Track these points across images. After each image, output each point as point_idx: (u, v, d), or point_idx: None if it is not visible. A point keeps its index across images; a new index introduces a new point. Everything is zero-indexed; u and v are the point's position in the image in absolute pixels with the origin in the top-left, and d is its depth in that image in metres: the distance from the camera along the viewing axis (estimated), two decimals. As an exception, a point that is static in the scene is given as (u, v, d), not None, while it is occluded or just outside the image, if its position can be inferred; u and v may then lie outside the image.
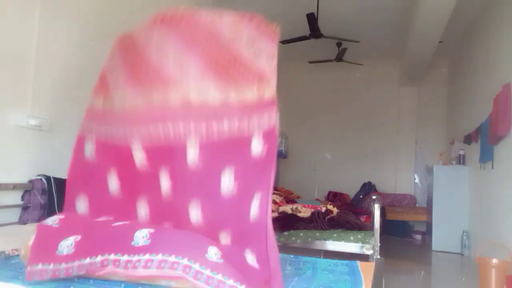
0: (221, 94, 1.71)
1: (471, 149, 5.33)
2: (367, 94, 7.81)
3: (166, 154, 1.76)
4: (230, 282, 1.24)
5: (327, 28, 5.43)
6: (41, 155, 2.54)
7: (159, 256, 1.31)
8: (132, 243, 1.38)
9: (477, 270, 3.45)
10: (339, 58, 6.50)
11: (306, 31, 5.13)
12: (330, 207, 3.58)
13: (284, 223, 3.02)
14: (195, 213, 1.66)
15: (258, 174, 1.56)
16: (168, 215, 1.73)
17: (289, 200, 4.30)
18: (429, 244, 5.60)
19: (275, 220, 3.11)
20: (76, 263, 1.37)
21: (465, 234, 5.24)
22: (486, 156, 4.47)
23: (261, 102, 1.71)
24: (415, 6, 4.86)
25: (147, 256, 1.32)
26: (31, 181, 2.39)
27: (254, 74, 1.73)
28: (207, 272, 1.26)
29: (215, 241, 1.52)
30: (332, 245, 2.82)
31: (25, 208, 2.35)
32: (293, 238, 2.87)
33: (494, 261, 3.33)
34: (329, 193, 7.26)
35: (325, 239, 2.84)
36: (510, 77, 3.85)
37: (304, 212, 3.44)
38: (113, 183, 1.88)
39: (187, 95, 1.74)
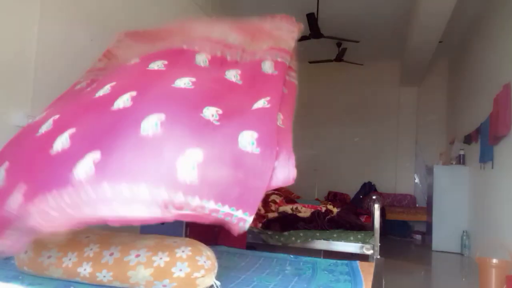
0: (240, 41, 1.77)
1: (471, 149, 5.33)
2: (367, 94, 7.81)
3: (167, 55, 1.70)
4: (211, 204, 1.07)
5: (327, 28, 5.43)
6: (41, 155, 2.54)
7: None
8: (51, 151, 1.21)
9: (477, 270, 3.45)
10: (339, 58, 6.50)
11: (306, 31, 5.13)
12: (330, 207, 3.58)
13: (284, 223, 3.02)
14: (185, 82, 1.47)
15: (265, 83, 1.50)
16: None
17: (289, 200, 4.30)
18: (429, 244, 5.60)
19: (275, 220, 3.12)
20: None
21: (465, 234, 5.24)
22: (486, 156, 4.47)
23: (273, 47, 1.68)
24: (415, 6, 4.86)
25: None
26: (31, 181, 2.39)
27: (277, 38, 1.77)
28: (179, 197, 1.06)
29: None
30: (332, 245, 2.82)
31: (25, 208, 2.35)
32: (293, 238, 2.87)
33: (494, 261, 3.33)
34: (329, 193, 7.26)
35: (325, 239, 2.84)
36: (510, 77, 3.85)
37: (304, 212, 3.44)
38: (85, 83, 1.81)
39: (208, 34, 1.77)
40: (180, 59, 1.65)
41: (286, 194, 4.85)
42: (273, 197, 3.89)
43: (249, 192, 1.11)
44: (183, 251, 1.26)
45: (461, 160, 5.58)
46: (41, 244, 1.38)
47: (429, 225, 5.92)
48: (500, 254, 3.50)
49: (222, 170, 1.12)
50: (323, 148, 7.93)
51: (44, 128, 1.41)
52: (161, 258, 1.25)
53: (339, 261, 1.89)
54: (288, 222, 3.03)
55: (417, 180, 7.50)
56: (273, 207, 3.63)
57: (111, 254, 1.30)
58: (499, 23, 4.42)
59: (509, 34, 4.03)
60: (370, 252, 2.70)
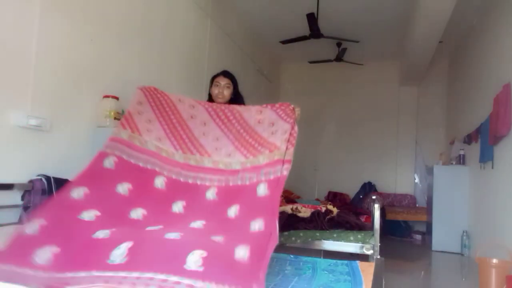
0: (243, 163, 2.11)
1: (471, 149, 5.33)
2: (367, 94, 7.81)
3: (186, 191, 2.03)
4: (212, 286, 1.27)
5: (327, 28, 5.44)
6: (41, 155, 2.54)
7: (135, 274, 1.30)
8: (108, 261, 1.38)
9: (477, 270, 3.45)
10: (339, 58, 6.51)
11: (306, 31, 5.13)
12: (330, 207, 3.57)
13: (284, 223, 3.02)
14: (198, 224, 1.82)
15: (261, 206, 1.77)
16: (166, 222, 1.81)
17: (289, 200, 4.30)
18: (429, 244, 5.60)
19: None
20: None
21: (465, 234, 5.24)
22: (486, 156, 4.47)
23: (270, 162, 2.02)
24: (415, 6, 4.86)
25: (122, 274, 1.31)
26: (31, 181, 2.39)
27: (270, 145, 2.11)
28: (187, 281, 1.27)
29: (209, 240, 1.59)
30: (332, 245, 2.82)
31: (25, 208, 2.35)
32: (293, 238, 2.87)
33: (494, 261, 3.33)
34: (329, 193, 7.27)
35: (325, 239, 2.84)
36: (510, 77, 3.85)
37: (304, 212, 3.43)
38: (123, 188, 1.91)
39: (217, 164, 2.16)
40: (195, 197, 2.03)
41: (286, 194, 4.85)
42: (273, 197, 3.88)
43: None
44: None
45: (461, 160, 5.58)
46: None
47: (429, 225, 5.92)
48: (500, 254, 3.50)
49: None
50: (323, 148, 7.93)
51: (85, 216, 1.64)
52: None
53: (339, 261, 1.89)
54: (288, 222, 3.03)
55: (417, 180, 7.50)
56: (273, 207, 3.62)
57: None
58: (499, 23, 4.42)
59: (509, 34, 4.03)
60: (370, 252, 2.70)
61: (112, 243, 1.48)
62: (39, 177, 2.42)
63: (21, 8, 2.38)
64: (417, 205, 7.24)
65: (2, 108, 2.27)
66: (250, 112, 2.35)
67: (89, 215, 1.65)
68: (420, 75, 7.00)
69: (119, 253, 1.41)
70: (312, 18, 4.85)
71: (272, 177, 1.95)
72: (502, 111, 3.87)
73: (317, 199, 6.36)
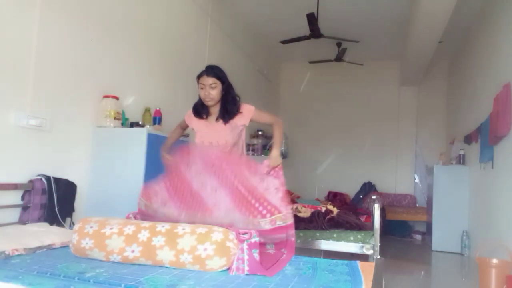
0: (244, 223, 2.14)
1: (471, 149, 5.33)
2: (367, 94, 7.81)
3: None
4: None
5: (327, 28, 5.43)
6: (41, 155, 2.54)
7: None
8: None
9: (477, 270, 3.45)
10: (339, 58, 6.50)
11: (306, 31, 5.13)
12: (330, 207, 3.57)
13: (284, 223, 3.01)
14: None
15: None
16: None
17: (289, 200, 4.28)
18: (429, 244, 5.60)
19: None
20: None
21: (465, 234, 5.24)
22: (486, 156, 4.47)
23: (272, 229, 2.12)
24: (415, 6, 4.86)
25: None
26: (31, 181, 2.39)
27: (271, 207, 2.16)
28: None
29: None
30: (332, 245, 2.82)
31: (25, 208, 2.35)
32: (293, 238, 2.86)
33: (494, 261, 3.32)
34: (329, 193, 7.26)
35: (325, 239, 2.84)
36: (510, 77, 3.85)
37: (304, 212, 3.43)
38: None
39: (220, 222, 2.11)
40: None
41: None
42: (273, 197, 3.88)
43: None
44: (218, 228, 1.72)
45: (461, 160, 5.58)
46: (104, 222, 1.82)
47: (429, 225, 5.92)
48: (500, 254, 3.50)
49: None
50: (323, 148, 7.93)
51: None
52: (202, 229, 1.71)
53: (339, 261, 1.89)
54: (288, 222, 3.02)
55: (417, 180, 7.50)
56: (273, 207, 3.62)
57: (163, 226, 1.74)
58: (499, 23, 4.42)
59: (509, 34, 4.03)
60: (370, 252, 2.70)
61: None
62: (39, 177, 2.42)
63: (21, 8, 2.38)
64: (417, 205, 7.24)
65: (2, 108, 2.27)
66: (240, 161, 2.38)
67: None
68: (420, 75, 7.00)
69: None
70: (312, 18, 4.84)
71: (278, 240, 2.13)
72: (502, 111, 3.87)
73: (317, 199, 6.35)
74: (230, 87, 2.46)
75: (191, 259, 1.62)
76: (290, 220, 2.15)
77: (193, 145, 2.53)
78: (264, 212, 2.14)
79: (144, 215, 2.27)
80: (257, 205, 2.15)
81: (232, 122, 2.43)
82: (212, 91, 2.38)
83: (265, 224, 2.10)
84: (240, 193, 2.19)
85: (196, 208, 2.23)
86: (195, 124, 2.53)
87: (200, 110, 2.50)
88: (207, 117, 2.49)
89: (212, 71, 2.41)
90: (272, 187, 2.20)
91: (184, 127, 2.68)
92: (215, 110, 2.47)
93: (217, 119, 2.45)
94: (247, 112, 2.45)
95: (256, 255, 1.68)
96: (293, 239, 2.12)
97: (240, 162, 2.36)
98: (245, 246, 1.68)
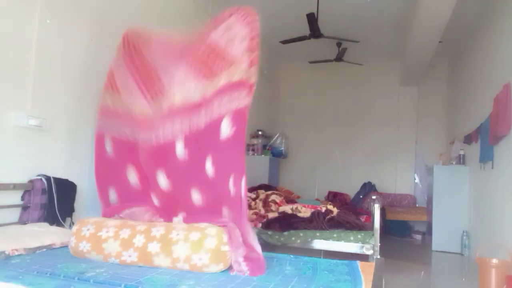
0: (200, 89, 1.92)
1: (471, 149, 5.33)
2: (367, 94, 7.81)
3: (161, 157, 2.03)
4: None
5: (327, 28, 5.43)
6: (41, 155, 2.54)
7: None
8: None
9: (477, 270, 3.45)
10: (339, 58, 6.50)
11: (306, 31, 5.13)
12: (330, 207, 3.57)
13: (284, 223, 3.02)
14: (197, 198, 1.94)
15: (230, 156, 1.77)
16: (176, 205, 2.01)
17: (289, 200, 4.29)
18: (429, 244, 5.60)
19: (275, 220, 3.11)
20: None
21: (465, 234, 5.24)
22: (486, 156, 4.47)
23: (228, 84, 1.81)
24: (415, 6, 4.86)
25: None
26: (31, 181, 2.39)
27: (227, 60, 1.86)
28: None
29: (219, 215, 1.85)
30: (332, 245, 2.82)
31: (25, 208, 2.35)
32: (293, 238, 2.87)
33: (494, 261, 3.32)
34: (329, 193, 7.26)
35: (325, 239, 2.84)
36: (510, 77, 3.85)
37: (304, 212, 3.43)
38: (132, 176, 2.22)
39: (173, 100, 2.00)
40: (169, 161, 2.01)
41: (286, 194, 4.85)
42: (273, 197, 3.88)
43: None
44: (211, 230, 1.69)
45: (461, 160, 5.58)
46: (101, 224, 1.81)
47: (429, 225, 5.92)
48: (500, 254, 3.50)
49: None
50: (323, 148, 7.93)
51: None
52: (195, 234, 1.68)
53: (339, 261, 1.89)
54: (288, 222, 3.03)
55: (417, 180, 7.50)
56: (273, 207, 3.62)
57: (158, 231, 1.73)
58: (499, 23, 4.42)
59: (509, 34, 4.03)
60: (370, 252, 2.70)
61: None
62: (39, 177, 2.42)
63: (21, 8, 2.38)
64: (417, 205, 7.23)
65: (2, 108, 2.27)
66: (202, 26, 2.12)
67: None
68: (420, 75, 6.99)
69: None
70: (312, 18, 4.84)
71: (234, 106, 1.76)
72: (502, 111, 3.87)
73: (317, 199, 6.35)
74: None
75: (187, 267, 1.63)
76: (253, 79, 1.83)
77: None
78: (223, 65, 1.87)
79: (112, 117, 2.31)
80: (217, 61, 1.90)
81: None
82: None
83: (221, 80, 1.84)
84: (198, 50, 1.98)
85: (156, 92, 2.16)
86: None
87: None
88: None
89: None
90: (238, 37, 1.87)
91: None
92: None
93: None
94: None
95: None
96: (247, 101, 1.80)
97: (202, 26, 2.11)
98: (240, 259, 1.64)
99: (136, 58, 2.33)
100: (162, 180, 2.04)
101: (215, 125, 1.82)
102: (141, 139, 2.13)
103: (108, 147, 2.28)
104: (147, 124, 2.11)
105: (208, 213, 1.85)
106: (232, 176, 1.75)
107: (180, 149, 1.96)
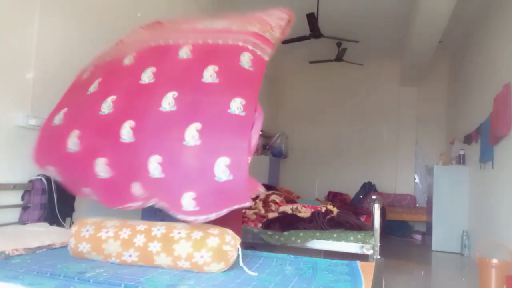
0: (227, 24, 1.92)
1: (471, 149, 5.33)
2: (367, 94, 7.81)
3: (155, 56, 1.88)
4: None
5: (327, 28, 5.43)
6: (41, 155, 2.53)
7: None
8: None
9: (477, 270, 3.45)
10: (339, 58, 6.50)
11: (306, 31, 5.13)
12: (330, 207, 3.57)
13: (284, 223, 3.02)
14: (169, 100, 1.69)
15: (242, 81, 1.65)
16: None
17: (289, 200, 4.30)
18: (429, 244, 5.60)
19: (275, 220, 3.12)
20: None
21: (465, 234, 5.24)
22: (486, 156, 4.47)
23: (260, 34, 1.80)
24: (415, 6, 4.86)
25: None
26: (31, 181, 2.39)
27: (265, 22, 1.88)
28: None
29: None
30: (332, 245, 2.82)
31: (25, 208, 2.35)
32: (293, 238, 2.87)
33: (494, 261, 3.33)
34: (329, 193, 7.27)
35: (325, 239, 2.84)
36: (510, 77, 3.85)
37: (304, 212, 3.44)
38: (73, 141, 1.89)
39: (195, 24, 1.97)
40: (165, 59, 1.82)
41: (286, 194, 4.86)
42: (273, 197, 3.88)
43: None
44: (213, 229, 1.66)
45: (461, 160, 5.58)
46: (100, 224, 1.77)
47: (429, 225, 5.92)
48: (500, 254, 3.50)
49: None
50: (323, 148, 7.93)
51: (91, 89, 1.86)
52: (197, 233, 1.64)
53: (339, 261, 1.89)
54: (288, 222, 3.03)
55: (417, 180, 7.50)
56: (273, 207, 3.63)
57: (158, 230, 1.68)
58: (499, 23, 4.42)
59: (509, 34, 4.03)
60: (370, 252, 2.70)
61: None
62: (39, 177, 2.42)
63: (21, 8, 2.38)
64: (417, 205, 7.24)
65: (2, 108, 2.27)
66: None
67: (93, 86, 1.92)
68: (420, 75, 7.00)
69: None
70: (312, 18, 4.85)
71: (259, 52, 1.73)
72: (502, 111, 3.87)
73: (317, 199, 6.35)
74: None
75: (188, 265, 1.61)
76: (276, 43, 1.85)
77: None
78: (256, 23, 1.87)
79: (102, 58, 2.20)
80: (251, 19, 1.92)
81: None
82: None
83: (252, 28, 1.82)
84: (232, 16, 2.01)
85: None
86: None
87: None
88: None
89: None
90: (275, 15, 1.95)
91: None
92: None
93: None
94: None
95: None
96: (267, 58, 1.77)
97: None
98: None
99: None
100: (146, 77, 1.81)
101: (234, 50, 1.73)
102: (139, 43, 2.02)
103: (58, 119, 2.04)
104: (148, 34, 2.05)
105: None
106: (238, 99, 1.56)
107: (184, 52, 1.81)
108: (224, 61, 1.70)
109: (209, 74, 1.65)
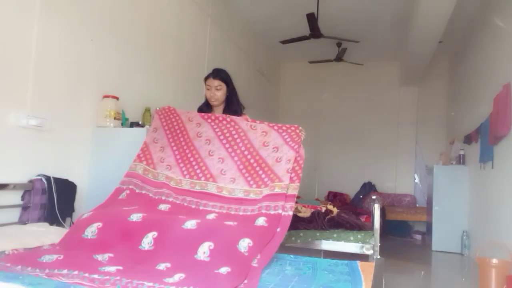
0: (246, 192, 2.17)
1: (471, 149, 5.33)
2: (367, 94, 7.81)
3: (188, 213, 2.05)
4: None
5: (327, 28, 5.44)
6: (41, 155, 2.54)
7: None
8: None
9: (477, 270, 3.45)
10: (339, 58, 6.50)
11: (306, 31, 5.13)
12: (330, 207, 3.57)
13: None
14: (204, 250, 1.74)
15: (254, 230, 1.82)
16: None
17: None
18: (429, 244, 5.60)
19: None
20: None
21: (465, 234, 5.24)
22: (486, 156, 4.47)
23: (270, 194, 2.04)
24: (415, 6, 4.86)
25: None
26: (31, 181, 2.39)
27: (274, 176, 2.13)
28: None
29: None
30: (332, 245, 2.82)
31: (25, 208, 2.35)
32: (293, 238, 2.86)
33: (494, 261, 3.33)
34: (329, 193, 7.27)
35: (325, 239, 2.84)
36: (510, 77, 3.85)
37: (304, 212, 3.43)
38: (126, 209, 2.00)
39: (221, 190, 2.20)
40: (195, 218, 1.95)
41: (286, 194, 4.85)
42: (273, 197, 3.88)
43: None
44: None
45: (461, 160, 5.58)
46: None
47: (429, 225, 5.92)
48: (500, 254, 3.50)
49: None
50: (323, 148, 7.93)
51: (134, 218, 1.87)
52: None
53: (339, 261, 1.89)
54: (288, 222, 3.02)
55: (417, 180, 7.50)
56: (273, 207, 3.62)
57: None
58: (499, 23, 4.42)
59: (509, 34, 4.03)
60: (370, 252, 2.70)
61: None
62: (39, 177, 2.42)
63: (21, 8, 2.38)
64: (417, 205, 7.24)
65: (2, 108, 2.27)
66: (255, 133, 2.35)
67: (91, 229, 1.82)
68: (420, 75, 7.00)
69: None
70: (312, 18, 4.85)
71: (272, 212, 1.95)
72: (502, 111, 3.87)
73: (317, 199, 6.35)
74: (234, 89, 2.69)
75: None
76: (292, 191, 2.06)
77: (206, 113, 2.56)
78: (268, 181, 2.14)
79: (137, 179, 2.26)
80: (263, 176, 2.17)
81: None
82: (218, 92, 2.61)
83: (266, 190, 2.09)
84: (249, 163, 2.23)
85: (199, 175, 2.27)
86: None
87: (205, 110, 2.68)
88: None
89: (218, 74, 2.64)
90: (284, 159, 2.20)
91: None
92: (219, 111, 2.66)
93: None
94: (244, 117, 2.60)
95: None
96: (289, 213, 1.96)
97: (255, 132, 2.34)
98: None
99: (179, 133, 2.46)
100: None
101: (251, 218, 1.96)
102: (172, 197, 2.19)
103: (122, 195, 2.20)
104: (180, 191, 2.23)
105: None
106: (248, 241, 1.70)
107: (211, 216, 2.02)
108: (242, 222, 1.93)
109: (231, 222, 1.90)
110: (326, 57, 6.70)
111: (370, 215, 3.37)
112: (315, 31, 5.07)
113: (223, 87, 2.64)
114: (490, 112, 4.31)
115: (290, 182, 2.09)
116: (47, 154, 2.58)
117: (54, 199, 2.43)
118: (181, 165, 2.34)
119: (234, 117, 2.47)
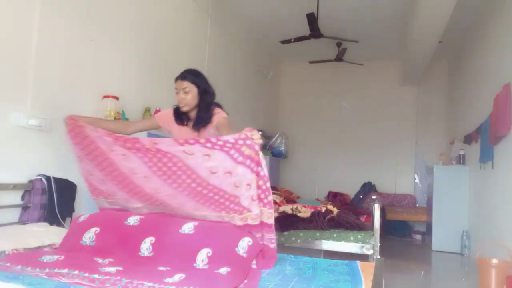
0: (218, 217, 1.96)
1: (471, 149, 5.33)
2: (367, 94, 7.81)
3: (158, 227, 1.89)
4: None
5: (327, 28, 5.43)
6: (41, 155, 2.54)
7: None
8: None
9: (477, 270, 3.45)
10: (339, 58, 6.50)
11: (306, 31, 5.13)
12: (330, 207, 3.57)
13: (284, 223, 3.02)
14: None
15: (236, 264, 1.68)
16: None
17: (289, 200, 4.30)
18: (429, 244, 5.60)
19: (275, 220, 3.11)
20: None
21: (465, 234, 5.24)
22: (486, 156, 4.47)
23: (248, 226, 1.87)
24: (415, 6, 4.86)
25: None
26: (31, 181, 2.39)
27: (239, 207, 1.86)
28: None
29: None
30: (332, 245, 2.82)
31: (25, 208, 2.35)
32: (293, 238, 2.87)
33: (494, 261, 3.32)
34: (329, 193, 7.26)
35: (325, 239, 2.84)
36: (510, 77, 3.85)
37: (304, 212, 3.43)
38: (131, 219, 1.94)
39: (190, 213, 2.02)
40: (165, 233, 1.87)
41: (286, 194, 4.85)
42: (273, 197, 3.88)
43: None
44: None
45: (461, 160, 5.58)
46: None
47: (429, 225, 5.92)
48: (500, 254, 3.50)
49: None
50: (323, 148, 7.93)
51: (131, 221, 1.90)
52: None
53: (339, 261, 1.89)
54: (288, 222, 3.03)
55: (417, 180, 7.50)
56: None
57: None
58: (499, 23, 4.42)
59: (509, 34, 4.03)
60: (370, 252, 2.70)
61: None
62: (39, 177, 2.42)
63: (21, 8, 2.38)
64: (417, 205, 7.23)
65: (2, 108, 2.27)
66: (195, 159, 1.83)
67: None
68: (420, 75, 7.00)
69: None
70: (312, 18, 4.84)
71: (251, 242, 1.76)
72: (502, 111, 3.87)
73: (317, 199, 6.35)
74: (206, 93, 2.31)
75: None
76: (267, 220, 1.82)
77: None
78: (236, 208, 1.87)
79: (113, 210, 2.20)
80: (227, 203, 1.88)
81: (204, 131, 2.30)
82: (186, 96, 2.27)
83: (238, 220, 1.87)
84: (203, 194, 1.90)
85: (160, 206, 2.08)
86: (176, 129, 2.41)
87: (180, 115, 2.37)
88: (187, 123, 2.38)
89: (187, 75, 2.30)
90: (243, 183, 1.78)
91: (149, 127, 2.59)
92: (193, 116, 2.35)
93: (193, 127, 2.33)
94: (216, 119, 2.29)
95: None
96: (271, 245, 1.84)
97: (195, 158, 1.83)
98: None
99: (107, 165, 2.08)
100: (145, 247, 1.81)
101: (233, 236, 1.82)
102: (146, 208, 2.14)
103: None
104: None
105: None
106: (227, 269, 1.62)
107: (187, 229, 1.84)
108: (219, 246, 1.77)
109: (201, 259, 1.72)
110: (326, 57, 6.70)
111: (370, 215, 3.37)
112: (315, 31, 5.07)
113: (193, 89, 2.27)
114: (490, 112, 4.31)
115: (262, 207, 1.81)
116: (47, 154, 2.58)
117: (54, 199, 2.43)
118: (135, 196, 2.11)
119: (161, 142, 1.89)
